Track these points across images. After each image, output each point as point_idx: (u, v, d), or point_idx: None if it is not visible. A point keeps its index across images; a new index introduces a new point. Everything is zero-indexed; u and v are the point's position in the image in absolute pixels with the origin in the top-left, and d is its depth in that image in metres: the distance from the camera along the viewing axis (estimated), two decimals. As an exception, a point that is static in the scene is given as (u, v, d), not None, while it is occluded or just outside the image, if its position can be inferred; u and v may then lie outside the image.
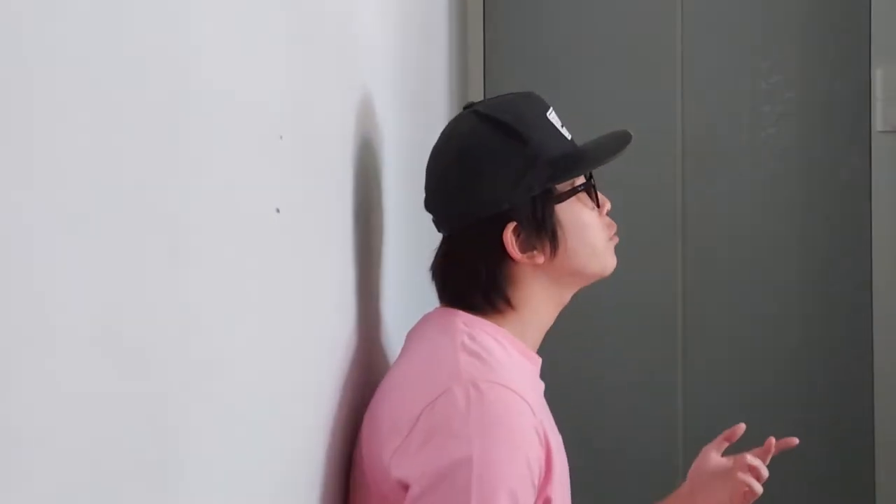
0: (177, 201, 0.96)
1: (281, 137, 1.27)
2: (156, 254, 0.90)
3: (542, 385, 1.71)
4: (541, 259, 1.59)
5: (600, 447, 3.40)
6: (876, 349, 3.34)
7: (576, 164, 1.62)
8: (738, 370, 3.46)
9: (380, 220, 1.85)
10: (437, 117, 2.65)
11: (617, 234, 1.68)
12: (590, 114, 3.27)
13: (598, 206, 1.65)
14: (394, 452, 1.45)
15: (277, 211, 1.25)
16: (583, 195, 1.63)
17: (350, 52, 1.71)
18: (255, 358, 1.19)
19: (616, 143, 1.68)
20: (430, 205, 1.69)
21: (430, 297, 1.72)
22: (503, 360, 1.53)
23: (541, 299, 1.62)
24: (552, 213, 1.60)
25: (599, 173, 1.69)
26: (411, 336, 1.67)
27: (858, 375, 3.38)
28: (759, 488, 1.69)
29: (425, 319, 1.68)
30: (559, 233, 1.60)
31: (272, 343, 1.25)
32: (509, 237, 1.57)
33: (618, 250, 1.69)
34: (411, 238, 1.92)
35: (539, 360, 1.67)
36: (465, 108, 1.70)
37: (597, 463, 3.33)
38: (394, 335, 1.89)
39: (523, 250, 1.59)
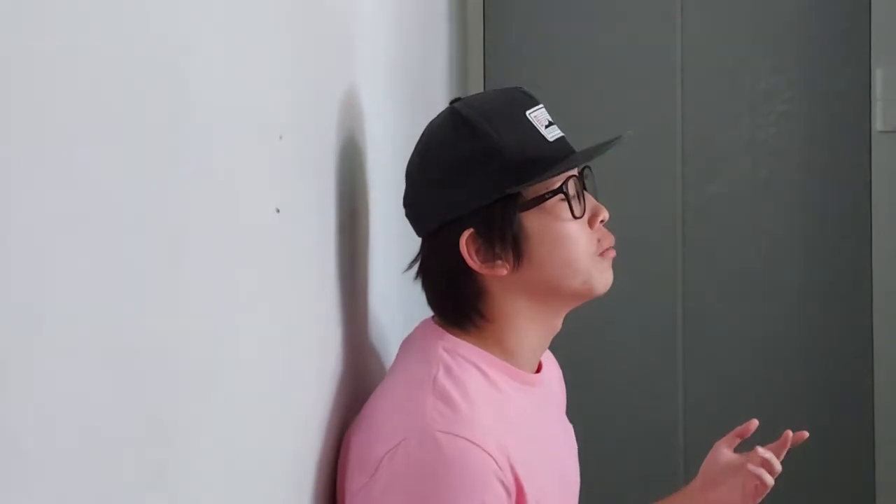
0: (176, 201, 0.95)
1: (281, 137, 1.26)
2: (154, 254, 0.90)
3: (551, 400, 1.67)
4: (503, 271, 1.49)
5: (600, 449, 3.39)
6: (876, 349, 3.34)
7: (540, 167, 1.48)
8: (738, 371, 3.45)
9: (380, 220, 1.84)
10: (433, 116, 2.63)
11: (614, 247, 1.56)
12: (589, 114, 3.28)
13: (576, 216, 1.51)
14: (358, 491, 1.42)
15: (277, 211, 1.25)
16: (559, 204, 1.50)
17: (349, 52, 1.70)
18: (254, 358, 1.18)
19: (591, 150, 1.56)
20: (405, 209, 1.62)
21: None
22: (479, 399, 1.45)
23: (523, 318, 1.53)
24: (513, 220, 1.48)
25: (597, 174, 1.60)
26: (402, 349, 1.62)
27: (858, 375, 3.38)
28: (770, 481, 1.65)
29: (416, 333, 1.61)
30: (524, 243, 1.49)
31: (271, 343, 1.25)
32: (465, 245, 1.48)
33: (618, 249, 1.58)
34: (410, 238, 1.91)
35: (538, 378, 1.60)
36: (451, 102, 1.60)
37: (596, 465, 3.31)
38: (392, 338, 1.87)
39: (484, 260, 1.49)
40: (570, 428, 1.73)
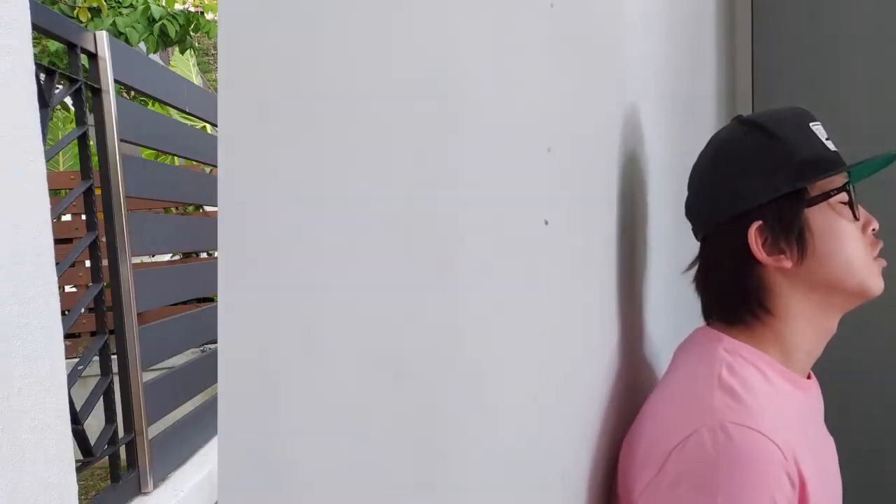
0: (448, 212, 0.97)
1: (549, 150, 1.27)
2: (426, 264, 0.91)
3: (817, 408, 1.68)
4: (788, 263, 1.56)
5: (867, 464, 3.31)
6: None
7: (827, 165, 1.57)
8: None
9: (646, 232, 1.85)
10: (704, 132, 2.61)
11: (882, 254, 1.62)
12: (857, 128, 3.21)
13: (856, 217, 1.59)
14: (645, 487, 1.46)
15: (546, 223, 1.26)
16: (839, 205, 1.58)
17: (618, 66, 1.72)
18: (521, 366, 1.19)
19: (880, 158, 1.63)
20: (688, 211, 1.70)
21: (699, 310, 1.71)
22: (762, 395, 1.49)
23: (802, 317, 1.59)
24: (801, 215, 1.56)
25: (864, 184, 1.64)
26: (677, 354, 1.67)
27: None
28: None
29: (692, 339, 1.67)
30: (808, 237, 1.56)
31: (538, 352, 1.26)
32: (753, 236, 1.56)
33: (887, 256, 1.64)
34: (679, 250, 1.91)
35: (810, 385, 1.64)
36: (733, 118, 1.69)
37: (862, 483, 3.24)
38: (661, 348, 1.89)
39: (769, 253, 1.57)
40: (832, 441, 1.73)
